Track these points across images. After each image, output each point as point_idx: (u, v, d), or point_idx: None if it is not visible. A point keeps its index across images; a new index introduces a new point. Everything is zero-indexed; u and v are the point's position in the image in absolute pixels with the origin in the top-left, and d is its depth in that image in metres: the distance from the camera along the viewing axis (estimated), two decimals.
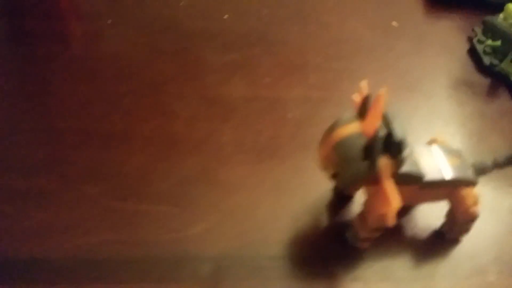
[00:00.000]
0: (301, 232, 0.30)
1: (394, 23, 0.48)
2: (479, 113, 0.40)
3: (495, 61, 0.44)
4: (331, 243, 0.30)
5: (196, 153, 0.34)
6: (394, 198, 0.23)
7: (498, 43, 0.44)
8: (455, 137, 0.38)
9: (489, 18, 0.44)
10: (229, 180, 0.32)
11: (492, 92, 0.42)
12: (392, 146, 0.24)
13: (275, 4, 0.48)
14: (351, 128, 0.24)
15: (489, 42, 0.45)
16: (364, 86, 0.26)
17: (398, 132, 0.23)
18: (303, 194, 0.32)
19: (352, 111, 0.26)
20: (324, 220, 0.31)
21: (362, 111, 0.25)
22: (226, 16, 0.46)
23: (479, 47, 0.45)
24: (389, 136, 0.24)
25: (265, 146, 0.35)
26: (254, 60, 0.42)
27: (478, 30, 0.47)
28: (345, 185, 0.26)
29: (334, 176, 0.25)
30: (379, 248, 0.30)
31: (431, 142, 0.30)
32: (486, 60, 0.44)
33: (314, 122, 0.37)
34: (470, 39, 0.47)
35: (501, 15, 0.44)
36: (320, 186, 0.32)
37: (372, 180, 0.25)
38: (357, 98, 0.26)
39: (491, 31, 0.42)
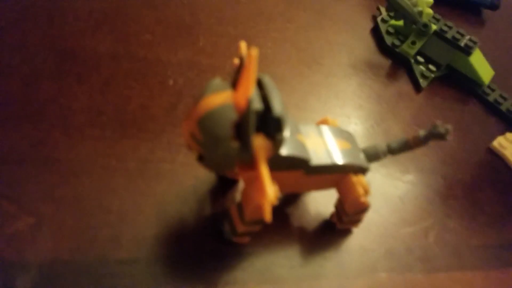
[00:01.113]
0: (167, 227, 0.25)
1: None
2: (376, 95, 0.38)
3: (397, 42, 0.42)
4: (205, 240, 0.25)
5: (32, 122, 0.25)
6: (269, 187, 0.18)
7: (401, 23, 0.42)
8: (351, 118, 0.35)
9: None
10: (74, 160, 0.25)
11: (391, 74, 0.40)
12: (269, 123, 0.19)
13: None
14: (221, 98, 0.19)
15: (392, 21, 0.43)
16: (243, 47, 0.20)
17: (276, 106, 0.18)
18: (176, 179, 0.26)
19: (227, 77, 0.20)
20: (199, 211, 0.26)
21: (236, 78, 0.19)
22: None
23: (382, 27, 0.43)
24: (266, 111, 0.19)
25: (132, 118, 0.28)
26: (132, 12, 0.34)
27: (383, 8, 0.45)
28: (212, 169, 0.20)
29: (201, 158, 0.20)
30: (260, 243, 0.25)
31: (321, 122, 0.27)
32: (388, 40, 0.42)
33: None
34: (374, 18, 0.45)
35: None
36: (199, 169, 0.27)
37: (247, 164, 0.20)
38: (237, 62, 0.20)
39: (394, 10, 0.40)
